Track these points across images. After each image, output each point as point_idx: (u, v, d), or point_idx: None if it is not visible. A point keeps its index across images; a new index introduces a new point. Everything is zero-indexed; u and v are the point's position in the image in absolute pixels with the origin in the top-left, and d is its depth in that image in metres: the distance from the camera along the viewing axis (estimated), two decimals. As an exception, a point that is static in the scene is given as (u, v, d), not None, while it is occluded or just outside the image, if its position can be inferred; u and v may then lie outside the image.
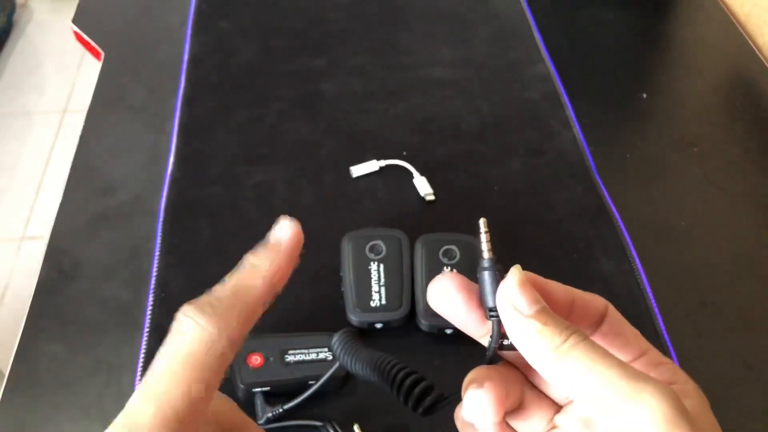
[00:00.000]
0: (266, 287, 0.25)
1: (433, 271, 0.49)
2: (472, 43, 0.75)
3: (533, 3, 0.80)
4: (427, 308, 0.48)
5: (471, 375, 0.26)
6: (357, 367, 0.35)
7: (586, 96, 0.70)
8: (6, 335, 1.36)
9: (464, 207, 0.59)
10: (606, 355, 0.22)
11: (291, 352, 0.46)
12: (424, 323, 0.48)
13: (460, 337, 0.48)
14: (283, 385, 0.45)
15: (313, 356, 0.46)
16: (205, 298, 0.24)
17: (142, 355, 0.49)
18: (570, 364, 0.22)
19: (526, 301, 0.23)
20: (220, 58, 0.73)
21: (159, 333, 0.50)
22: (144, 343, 0.50)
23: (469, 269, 0.49)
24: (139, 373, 0.48)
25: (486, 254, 0.24)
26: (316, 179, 0.61)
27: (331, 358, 0.46)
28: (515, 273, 0.24)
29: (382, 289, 0.49)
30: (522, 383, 0.27)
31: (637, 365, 0.25)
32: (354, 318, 0.49)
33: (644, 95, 0.71)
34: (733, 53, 0.77)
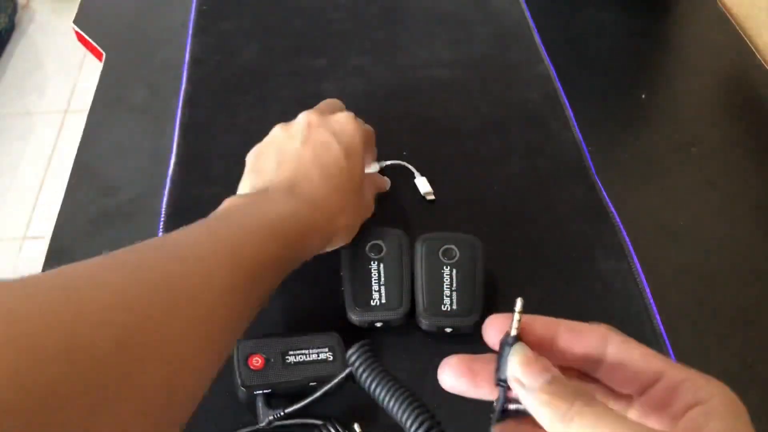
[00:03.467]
0: None
1: (433, 270, 0.49)
2: (472, 44, 0.75)
3: (533, 3, 0.80)
4: (427, 307, 0.48)
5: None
6: (375, 393, 0.36)
7: (585, 96, 0.70)
8: (7, 335, 1.36)
9: (464, 207, 0.59)
10: (610, 419, 0.23)
11: (292, 353, 0.46)
12: (424, 322, 0.49)
13: (460, 336, 0.49)
14: (285, 387, 0.45)
15: (314, 357, 0.46)
16: None
17: (143, 354, 0.49)
18: (575, 430, 0.23)
19: (531, 377, 0.25)
20: (221, 58, 0.73)
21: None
22: (145, 342, 0.50)
23: (468, 268, 0.49)
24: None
25: (513, 331, 0.26)
26: (316, 179, 0.61)
27: (332, 358, 0.46)
28: (518, 352, 0.25)
29: (382, 288, 0.49)
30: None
31: (655, 393, 0.25)
32: (354, 317, 0.49)
33: (643, 96, 0.71)
34: (732, 54, 0.77)
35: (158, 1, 0.82)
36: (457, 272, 0.49)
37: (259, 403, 0.44)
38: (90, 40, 0.77)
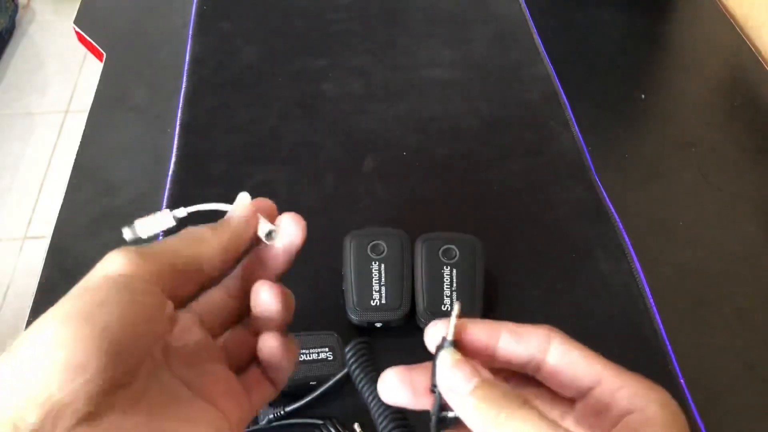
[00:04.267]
0: (208, 252, 0.28)
1: (434, 270, 0.49)
2: (472, 44, 0.75)
3: (532, 4, 0.80)
4: (427, 307, 0.48)
5: None
6: (361, 390, 0.36)
7: (585, 96, 0.70)
8: (8, 334, 1.37)
9: (464, 207, 0.59)
10: (542, 425, 0.22)
11: None
12: (424, 322, 0.49)
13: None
14: (284, 386, 0.45)
15: (314, 356, 0.46)
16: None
17: (143, 354, 0.49)
18: None
19: (461, 380, 0.24)
20: (222, 58, 0.73)
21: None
22: (145, 341, 0.50)
23: (468, 268, 0.49)
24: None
25: (449, 336, 0.26)
26: (316, 179, 0.61)
27: (332, 357, 0.46)
28: (447, 356, 0.25)
29: (383, 289, 0.49)
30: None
31: (593, 399, 0.25)
32: (354, 317, 0.49)
33: (643, 96, 0.71)
34: (732, 54, 0.77)
35: (159, 2, 0.82)
36: (457, 272, 0.49)
37: None
38: (91, 41, 0.77)
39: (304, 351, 0.46)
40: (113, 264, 0.25)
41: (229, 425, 0.26)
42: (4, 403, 0.21)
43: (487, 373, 0.25)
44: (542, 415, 0.23)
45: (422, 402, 0.27)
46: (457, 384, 0.24)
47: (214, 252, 0.28)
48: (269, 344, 0.29)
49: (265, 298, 0.28)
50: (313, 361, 0.46)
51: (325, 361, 0.46)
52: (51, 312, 0.23)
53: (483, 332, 0.26)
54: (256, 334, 0.29)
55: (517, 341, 0.26)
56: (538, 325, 0.26)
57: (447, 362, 0.25)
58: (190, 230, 0.28)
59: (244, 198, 0.31)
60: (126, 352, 0.22)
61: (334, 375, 0.45)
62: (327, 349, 0.47)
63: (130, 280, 0.25)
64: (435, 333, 0.26)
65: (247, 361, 0.30)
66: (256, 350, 0.29)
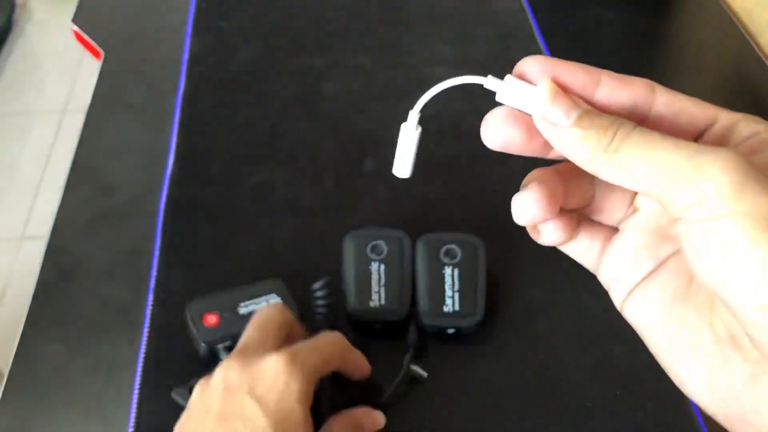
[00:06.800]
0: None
1: (435, 271, 0.49)
2: (473, 43, 0.75)
3: (534, 2, 0.80)
4: (429, 308, 0.48)
5: (525, 179, 0.26)
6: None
7: (586, 96, 0.70)
8: (6, 335, 1.36)
9: (465, 207, 0.59)
10: (660, 139, 0.20)
11: (242, 304, 0.48)
12: (426, 323, 0.48)
13: (462, 337, 0.49)
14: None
15: (264, 303, 0.48)
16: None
17: (142, 355, 0.49)
18: (623, 160, 0.20)
19: (563, 111, 0.22)
20: (221, 57, 0.73)
21: (159, 333, 0.50)
22: (144, 342, 0.50)
23: (470, 268, 0.49)
24: (139, 373, 0.48)
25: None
26: (316, 179, 0.61)
27: (281, 301, 0.48)
28: (543, 87, 0.23)
29: (382, 290, 0.49)
30: (591, 175, 0.24)
31: (709, 137, 0.23)
32: (352, 316, 0.49)
33: (645, 95, 0.71)
34: (734, 53, 0.77)
35: (157, 0, 0.82)
36: (459, 273, 0.49)
37: (222, 357, 0.45)
38: (88, 39, 0.77)
39: (254, 300, 0.48)
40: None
41: None
42: None
43: (588, 105, 0.22)
44: (663, 134, 0.20)
45: (534, 147, 0.24)
46: (557, 116, 0.22)
47: None
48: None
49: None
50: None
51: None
52: None
53: (580, 75, 0.23)
54: None
55: (620, 87, 0.23)
56: (631, 77, 0.24)
57: (545, 93, 0.22)
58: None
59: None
60: None
61: None
62: (275, 294, 0.48)
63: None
64: (529, 68, 0.24)
65: None
66: None
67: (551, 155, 0.24)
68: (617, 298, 0.25)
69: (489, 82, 0.25)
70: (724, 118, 0.23)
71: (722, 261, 0.19)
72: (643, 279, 0.24)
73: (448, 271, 0.49)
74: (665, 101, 0.23)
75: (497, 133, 0.25)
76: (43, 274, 0.55)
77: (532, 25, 0.77)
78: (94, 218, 0.59)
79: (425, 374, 0.47)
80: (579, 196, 0.26)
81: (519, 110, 0.24)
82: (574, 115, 0.22)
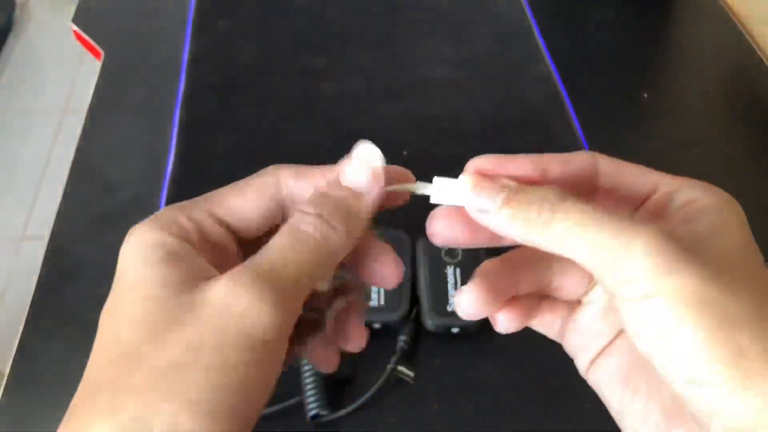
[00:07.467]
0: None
1: (437, 270, 0.49)
2: (473, 43, 0.75)
3: (534, 2, 0.80)
4: (432, 308, 0.48)
5: (475, 271, 0.26)
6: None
7: (586, 95, 0.70)
8: (6, 335, 1.36)
9: (465, 207, 0.59)
10: (589, 212, 0.21)
11: None
12: (429, 323, 0.48)
13: (465, 336, 0.48)
14: None
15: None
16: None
17: (142, 356, 0.49)
18: (555, 233, 0.21)
19: (487, 197, 0.22)
20: (220, 57, 0.73)
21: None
22: (144, 343, 0.50)
23: (472, 268, 0.49)
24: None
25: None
26: (316, 179, 0.61)
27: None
28: (466, 179, 0.23)
29: (381, 290, 0.49)
30: (548, 256, 0.24)
31: (650, 205, 0.24)
32: (354, 318, 0.49)
33: (645, 95, 0.71)
34: (734, 53, 0.77)
35: (157, 1, 0.82)
36: (461, 272, 0.49)
37: None
38: (88, 39, 0.77)
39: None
40: (258, 321, 0.20)
41: None
42: None
43: (513, 182, 0.23)
44: (587, 203, 0.21)
45: (479, 238, 0.24)
46: (484, 204, 0.22)
47: (336, 263, 0.24)
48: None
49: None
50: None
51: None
52: (190, 396, 0.19)
53: (527, 165, 0.24)
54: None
55: (564, 165, 0.24)
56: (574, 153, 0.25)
57: (468, 185, 0.23)
58: (322, 239, 0.23)
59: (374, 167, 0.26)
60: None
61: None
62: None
63: (273, 346, 0.21)
64: (478, 166, 0.24)
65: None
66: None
67: (506, 243, 0.25)
68: (581, 367, 0.26)
69: (419, 187, 0.26)
70: (664, 185, 0.24)
71: (654, 337, 0.20)
72: (604, 348, 0.25)
73: (450, 270, 0.49)
74: (608, 171, 0.24)
75: (443, 233, 0.25)
76: (44, 275, 0.55)
77: (532, 25, 0.77)
78: (94, 218, 0.59)
79: (411, 374, 0.47)
80: (533, 281, 0.26)
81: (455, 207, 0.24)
82: (499, 199, 0.22)
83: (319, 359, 0.27)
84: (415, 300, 0.49)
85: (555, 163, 0.24)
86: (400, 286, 0.49)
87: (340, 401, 0.46)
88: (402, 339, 0.48)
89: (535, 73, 0.71)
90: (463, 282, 0.48)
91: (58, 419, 0.22)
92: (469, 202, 0.23)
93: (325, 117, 0.67)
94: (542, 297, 0.27)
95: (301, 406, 0.45)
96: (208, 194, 0.25)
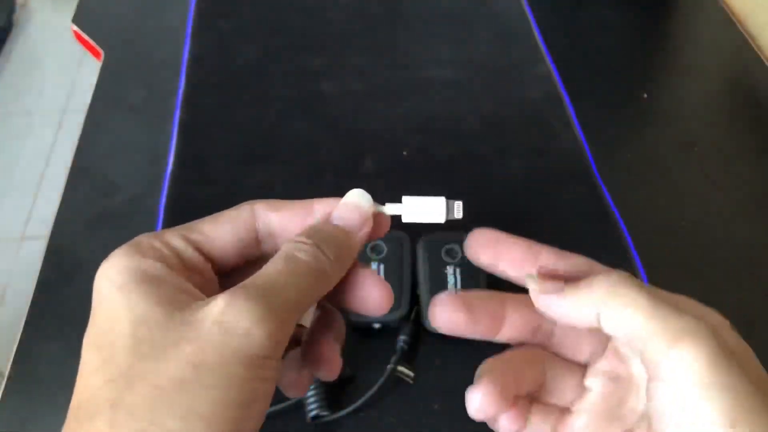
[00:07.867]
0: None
1: (437, 270, 0.49)
2: (473, 43, 0.75)
3: (534, 3, 0.80)
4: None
5: (479, 369, 0.26)
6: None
7: (586, 96, 0.70)
8: (6, 335, 1.36)
9: (465, 207, 0.59)
10: (643, 291, 0.23)
11: None
12: (429, 323, 0.48)
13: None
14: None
15: None
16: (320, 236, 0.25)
17: (142, 356, 0.49)
18: (611, 311, 0.23)
19: (554, 287, 0.25)
20: (220, 57, 0.73)
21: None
22: (144, 343, 0.50)
23: (471, 268, 0.49)
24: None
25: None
26: (316, 179, 0.61)
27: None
28: (534, 283, 0.25)
29: (383, 290, 0.49)
30: (541, 360, 0.27)
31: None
32: (351, 317, 0.49)
33: (645, 95, 0.71)
34: (734, 53, 0.77)
35: (157, 1, 0.82)
36: (461, 272, 0.49)
37: None
38: (89, 39, 0.77)
39: None
40: (258, 339, 0.21)
41: None
42: None
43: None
44: (646, 287, 0.23)
45: (477, 329, 0.26)
46: (552, 289, 0.25)
47: (328, 290, 0.24)
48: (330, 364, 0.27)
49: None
50: None
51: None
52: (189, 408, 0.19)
53: (519, 250, 0.27)
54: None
55: (558, 256, 0.27)
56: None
57: (536, 290, 0.25)
58: (316, 266, 0.24)
59: (362, 204, 0.27)
60: None
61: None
62: None
63: (271, 364, 0.21)
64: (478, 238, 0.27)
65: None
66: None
67: (498, 338, 0.26)
68: None
69: (389, 209, 0.27)
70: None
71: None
72: None
73: (449, 270, 0.49)
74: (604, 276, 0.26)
75: (441, 315, 0.26)
76: (44, 274, 0.55)
77: (532, 25, 0.77)
78: (94, 218, 0.59)
79: (411, 374, 0.47)
80: (529, 382, 0.26)
81: (463, 297, 0.26)
82: (559, 287, 0.25)
83: (289, 382, 0.26)
84: (415, 300, 0.49)
85: (549, 255, 0.27)
86: (401, 286, 0.49)
87: (340, 401, 0.46)
88: (402, 339, 0.48)
89: (535, 73, 0.71)
90: (464, 282, 0.48)
91: (58, 419, 0.22)
92: (543, 297, 0.25)
93: (324, 117, 0.67)
94: (532, 401, 0.27)
95: (301, 407, 0.45)
96: (184, 224, 0.26)
